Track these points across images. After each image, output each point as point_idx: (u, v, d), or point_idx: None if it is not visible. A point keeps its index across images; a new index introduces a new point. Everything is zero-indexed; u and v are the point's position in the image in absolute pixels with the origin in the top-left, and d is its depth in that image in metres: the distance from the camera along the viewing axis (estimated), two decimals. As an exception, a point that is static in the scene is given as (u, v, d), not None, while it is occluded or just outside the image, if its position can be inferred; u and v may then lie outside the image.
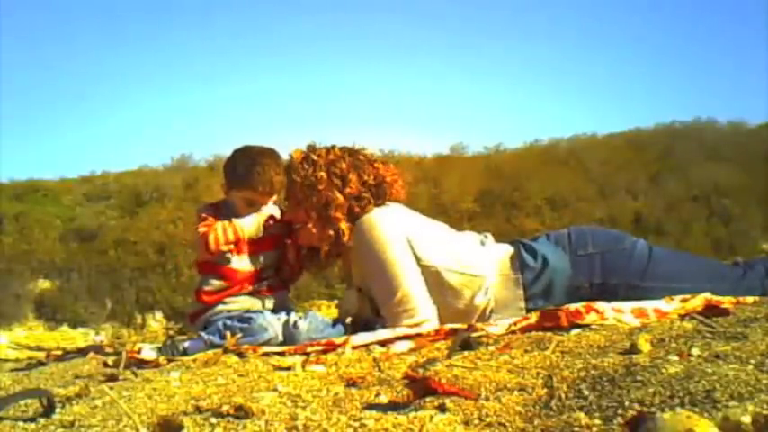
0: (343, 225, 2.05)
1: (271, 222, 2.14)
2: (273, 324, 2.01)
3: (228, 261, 2.11)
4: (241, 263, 2.12)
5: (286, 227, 2.20)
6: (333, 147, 2.16)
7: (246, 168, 2.07)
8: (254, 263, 2.13)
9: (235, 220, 2.07)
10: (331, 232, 2.07)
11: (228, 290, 2.10)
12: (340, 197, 2.06)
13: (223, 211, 2.15)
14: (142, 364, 1.81)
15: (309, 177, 2.08)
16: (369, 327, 2.01)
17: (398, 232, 2.01)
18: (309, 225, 2.09)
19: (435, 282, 2.01)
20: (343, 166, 2.10)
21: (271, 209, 2.12)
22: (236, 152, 2.15)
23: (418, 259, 2.00)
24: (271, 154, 2.12)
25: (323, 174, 2.07)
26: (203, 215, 2.11)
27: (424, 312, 1.95)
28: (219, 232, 2.04)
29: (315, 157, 2.11)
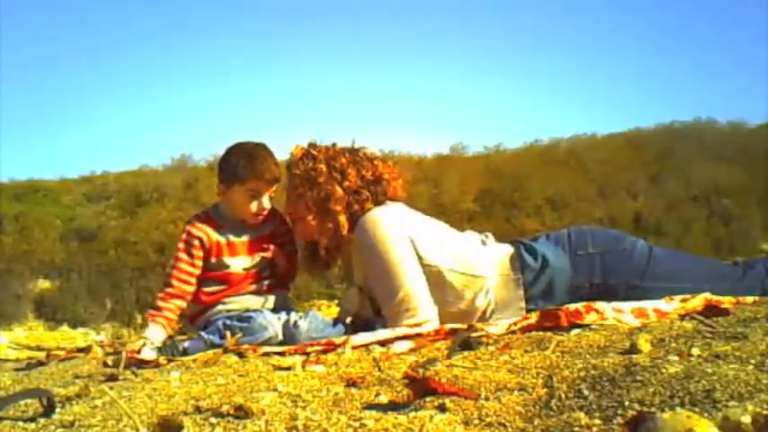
0: (342, 218, 2.08)
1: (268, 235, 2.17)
2: (273, 323, 2.01)
3: (225, 266, 2.11)
4: (238, 264, 2.12)
5: (282, 225, 2.21)
6: (333, 144, 2.20)
7: (248, 161, 2.09)
8: (251, 263, 2.14)
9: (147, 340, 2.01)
10: (330, 225, 2.09)
11: (227, 290, 2.11)
12: (339, 190, 2.08)
13: (214, 217, 2.15)
14: (142, 364, 1.81)
15: (309, 171, 2.11)
16: (369, 327, 2.01)
17: (401, 231, 2.01)
18: (309, 218, 2.11)
19: (437, 282, 2.01)
20: (343, 160, 2.13)
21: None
22: (230, 150, 2.16)
23: (420, 259, 2.00)
24: (265, 147, 2.15)
25: (323, 167, 2.11)
26: (180, 257, 2.11)
27: (425, 312, 1.95)
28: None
29: (315, 153, 2.14)
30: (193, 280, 2.10)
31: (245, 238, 2.15)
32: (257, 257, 2.15)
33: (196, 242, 2.11)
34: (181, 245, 2.13)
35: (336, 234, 2.10)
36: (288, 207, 2.19)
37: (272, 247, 2.18)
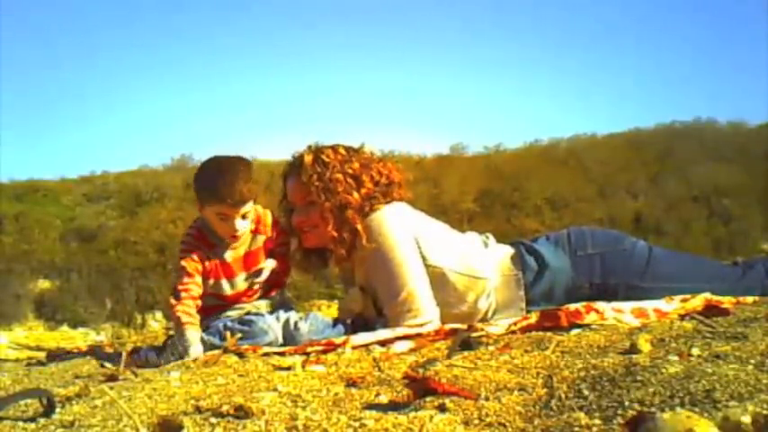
0: (360, 227, 2.00)
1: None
2: (273, 327, 2.00)
3: (221, 287, 2.08)
4: (234, 284, 2.09)
5: (280, 237, 2.16)
6: (336, 145, 2.13)
7: (211, 182, 1.98)
8: (247, 280, 2.10)
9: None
10: (347, 234, 2.02)
11: (225, 306, 2.09)
12: (356, 198, 2.02)
13: (207, 234, 2.07)
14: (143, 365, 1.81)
15: (326, 180, 2.03)
16: (369, 327, 2.00)
17: (407, 231, 2.00)
18: (328, 228, 2.02)
19: (440, 283, 2.00)
20: (356, 166, 2.07)
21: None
22: (200, 167, 2.07)
23: (424, 259, 1.99)
24: (236, 163, 2.02)
25: (339, 176, 2.04)
26: (184, 261, 2.03)
27: (427, 314, 1.94)
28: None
29: (325, 158, 2.06)
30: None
31: (239, 253, 2.09)
32: (253, 272, 2.10)
33: (196, 265, 2.04)
34: (185, 265, 2.02)
35: (354, 243, 2.02)
36: (298, 216, 2.10)
37: (267, 260, 2.12)
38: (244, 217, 2.03)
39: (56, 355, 2.36)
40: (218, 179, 1.97)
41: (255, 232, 2.12)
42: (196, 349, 1.92)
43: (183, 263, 2.04)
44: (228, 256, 2.08)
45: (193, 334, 1.96)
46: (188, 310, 1.99)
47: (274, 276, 2.15)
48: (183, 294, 2.00)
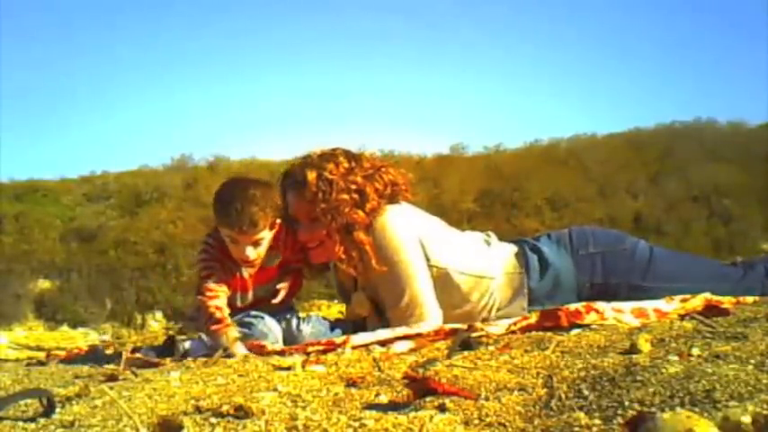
0: (368, 247, 1.95)
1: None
2: (273, 329, 2.00)
3: (234, 298, 2.07)
4: (246, 299, 2.10)
5: (290, 250, 2.14)
6: (335, 152, 2.07)
7: (221, 207, 1.96)
8: (256, 293, 2.10)
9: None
10: (355, 253, 1.97)
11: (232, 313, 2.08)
12: (362, 216, 1.97)
13: (224, 245, 2.04)
14: (146, 364, 1.80)
15: (331, 201, 1.97)
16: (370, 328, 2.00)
17: (411, 233, 1.98)
18: (336, 248, 1.98)
19: (444, 284, 1.99)
20: (359, 179, 2.01)
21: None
22: (219, 187, 2.05)
23: (429, 260, 1.97)
24: (251, 188, 1.97)
25: (345, 196, 1.97)
26: (205, 280, 2.00)
27: (430, 319, 1.93)
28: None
29: (329, 175, 2.00)
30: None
31: (254, 269, 2.08)
32: (267, 286, 2.10)
33: (220, 275, 2.03)
34: (212, 273, 2.01)
35: (362, 262, 1.97)
36: (304, 233, 2.06)
37: (284, 279, 2.12)
38: (256, 243, 1.98)
39: (56, 358, 2.36)
40: (230, 204, 1.94)
41: (273, 250, 2.07)
42: (241, 348, 1.87)
43: (211, 271, 2.01)
44: (245, 272, 2.08)
45: (233, 332, 1.91)
46: (222, 311, 1.94)
47: (287, 292, 2.14)
48: (214, 301, 1.96)
